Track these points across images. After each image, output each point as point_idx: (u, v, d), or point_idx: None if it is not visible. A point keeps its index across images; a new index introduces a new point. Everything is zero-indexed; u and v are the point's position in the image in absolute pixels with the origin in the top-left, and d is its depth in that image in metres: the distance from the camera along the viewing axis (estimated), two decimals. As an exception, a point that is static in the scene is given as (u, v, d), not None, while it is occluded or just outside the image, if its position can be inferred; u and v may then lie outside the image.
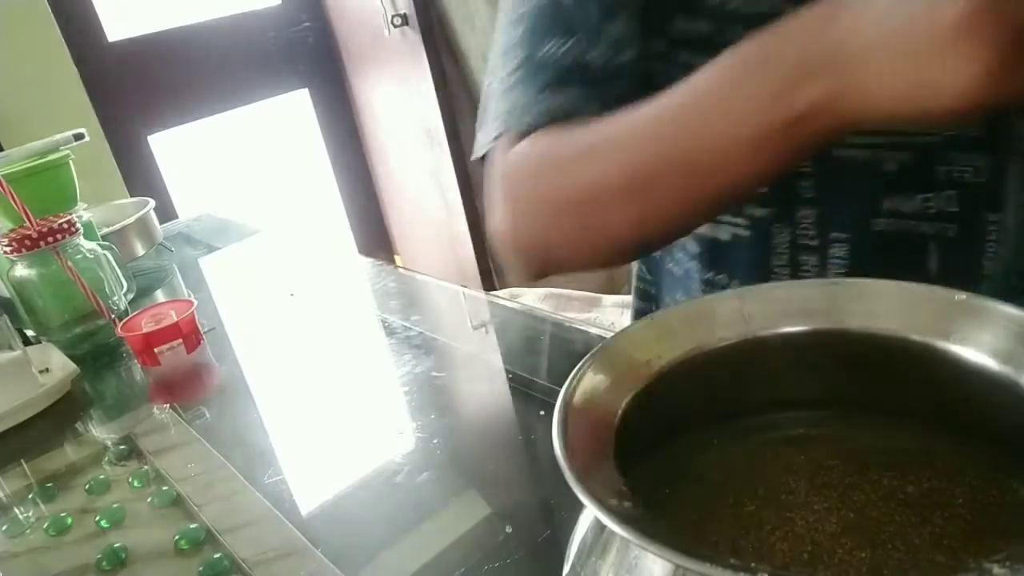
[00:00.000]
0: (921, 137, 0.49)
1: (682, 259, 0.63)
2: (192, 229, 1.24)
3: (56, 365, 0.73)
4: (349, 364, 0.72)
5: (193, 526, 0.49)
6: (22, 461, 0.61)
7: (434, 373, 0.65)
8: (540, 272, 0.52)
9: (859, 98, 0.34)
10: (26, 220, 0.74)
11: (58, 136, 0.87)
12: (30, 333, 0.82)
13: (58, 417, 0.68)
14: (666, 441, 0.33)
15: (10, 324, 0.72)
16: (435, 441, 0.55)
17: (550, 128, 0.49)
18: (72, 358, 0.74)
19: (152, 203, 1.07)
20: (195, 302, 0.76)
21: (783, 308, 0.33)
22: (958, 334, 0.29)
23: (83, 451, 0.62)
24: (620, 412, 0.29)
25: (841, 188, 0.52)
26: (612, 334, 0.33)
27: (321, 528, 0.48)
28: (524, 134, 0.49)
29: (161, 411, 0.66)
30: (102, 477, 0.57)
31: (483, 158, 0.53)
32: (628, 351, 0.31)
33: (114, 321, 0.78)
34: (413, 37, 2.12)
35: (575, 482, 0.24)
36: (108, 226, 0.99)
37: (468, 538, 0.45)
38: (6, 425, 0.66)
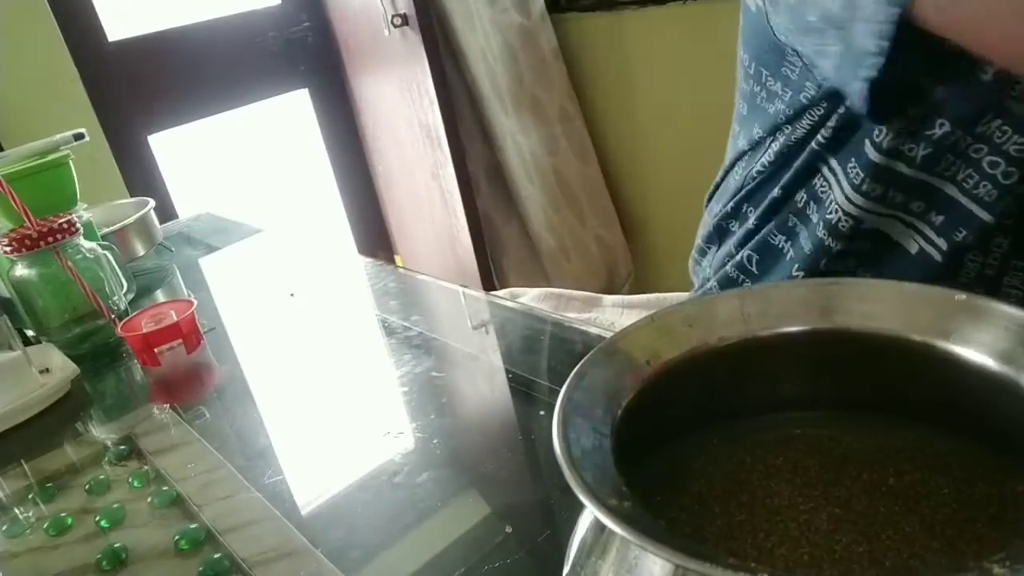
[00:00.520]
0: None
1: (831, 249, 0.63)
2: (192, 229, 1.24)
3: (56, 365, 0.73)
4: (349, 364, 0.72)
5: (193, 526, 0.49)
6: (22, 461, 0.61)
7: (434, 373, 0.65)
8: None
9: None
10: (26, 220, 0.74)
11: (58, 136, 0.87)
12: (30, 333, 0.82)
13: (58, 417, 0.68)
14: (666, 441, 0.33)
15: (10, 324, 0.72)
16: (435, 441, 0.55)
17: None
18: (72, 358, 0.74)
19: (152, 203, 1.07)
20: (195, 302, 0.76)
21: (783, 308, 0.33)
22: (958, 334, 0.29)
23: (83, 451, 0.62)
24: (620, 412, 0.29)
25: None
26: (612, 334, 0.33)
27: (321, 528, 0.48)
28: None
29: (161, 411, 0.66)
30: (102, 477, 0.57)
31: None
32: (628, 351, 0.31)
33: (114, 321, 0.78)
34: (413, 37, 2.12)
35: (575, 482, 0.24)
36: (108, 226, 0.99)
37: (468, 538, 0.45)
38: (6, 425, 0.66)
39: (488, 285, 2.27)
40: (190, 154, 2.24)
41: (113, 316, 0.79)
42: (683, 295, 1.01)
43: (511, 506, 0.49)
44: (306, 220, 2.52)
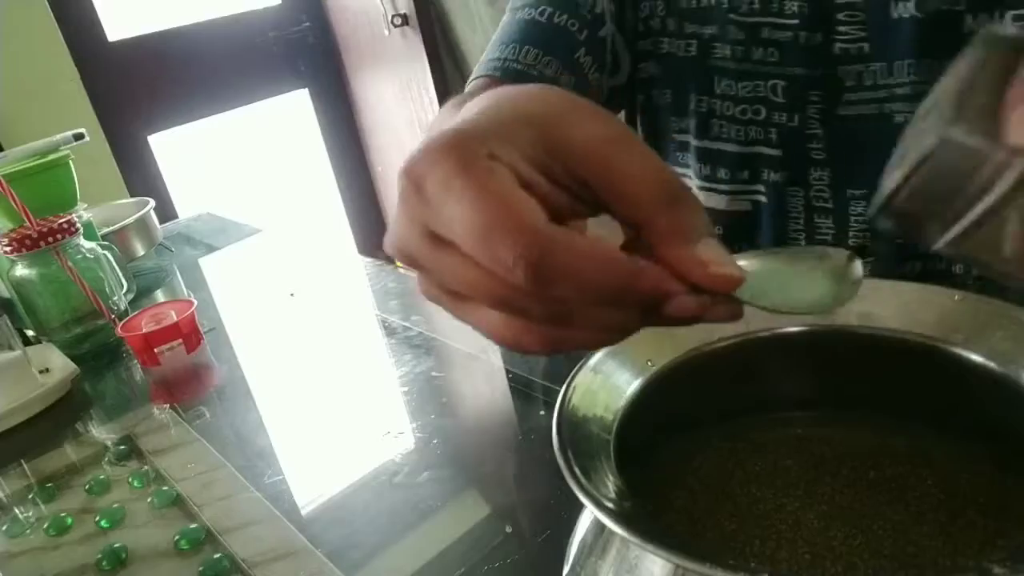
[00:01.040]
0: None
1: None
2: (192, 229, 1.24)
3: (56, 365, 0.73)
4: (349, 364, 0.72)
5: (193, 526, 0.49)
6: (22, 461, 0.61)
7: (434, 373, 0.65)
8: None
9: None
10: (26, 220, 0.74)
11: (58, 136, 0.87)
12: (30, 333, 0.82)
13: (58, 417, 0.68)
14: (665, 441, 0.33)
15: (10, 324, 0.72)
16: (435, 441, 0.55)
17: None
18: (72, 358, 0.74)
19: (152, 203, 1.07)
20: (195, 302, 0.76)
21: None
22: (958, 334, 0.30)
23: (83, 451, 0.62)
24: (619, 412, 0.29)
25: (853, 146, 0.52)
26: (612, 334, 0.33)
27: (321, 528, 0.48)
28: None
29: (161, 411, 0.66)
30: (102, 477, 0.57)
31: None
32: (627, 351, 0.31)
33: (114, 321, 0.78)
34: (413, 37, 2.12)
35: (575, 482, 0.24)
36: (108, 226, 0.99)
37: (468, 538, 0.45)
38: (6, 425, 0.66)
39: (488, 285, 2.27)
40: (190, 154, 2.24)
41: (113, 316, 0.79)
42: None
43: (511, 506, 0.49)
44: (306, 220, 2.52)
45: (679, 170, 0.65)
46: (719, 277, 0.23)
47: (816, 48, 0.53)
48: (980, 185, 0.21)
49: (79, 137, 0.89)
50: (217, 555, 0.46)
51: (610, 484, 0.25)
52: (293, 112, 2.42)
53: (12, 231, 0.75)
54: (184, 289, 0.98)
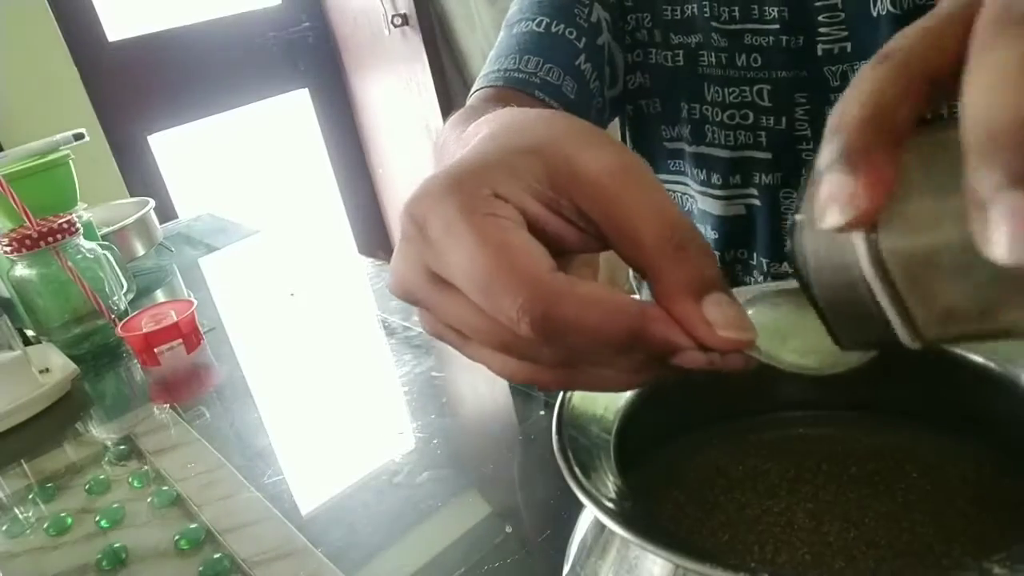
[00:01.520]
0: None
1: None
2: (192, 229, 1.24)
3: (56, 365, 0.73)
4: (349, 364, 0.72)
5: (193, 526, 0.49)
6: (22, 461, 0.61)
7: (434, 373, 0.65)
8: None
9: None
10: (26, 220, 0.74)
11: (58, 136, 0.87)
12: (30, 333, 0.82)
13: (58, 417, 0.68)
14: (666, 441, 0.33)
15: (10, 324, 0.72)
16: (435, 441, 0.55)
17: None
18: (72, 358, 0.74)
19: (152, 203, 1.07)
20: (195, 302, 0.76)
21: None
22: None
23: (83, 451, 0.62)
24: (620, 412, 0.29)
25: None
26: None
27: (321, 528, 0.48)
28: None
29: (161, 411, 0.66)
30: (102, 477, 0.57)
31: None
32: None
33: (114, 321, 0.78)
34: (413, 37, 2.12)
35: (575, 482, 0.24)
36: (108, 226, 0.99)
37: (468, 538, 0.45)
38: (6, 425, 0.66)
39: (488, 285, 2.27)
40: (190, 154, 2.24)
41: (113, 316, 0.79)
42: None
43: (511, 506, 0.49)
44: (306, 220, 2.52)
45: (673, 178, 0.65)
46: (728, 341, 0.22)
47: (799, 51, 0.53)
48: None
49: (79, 137, 0.89)
50: (217, 555, 0.46)
51: (610, 484, 0.25)
52: (293, 112, 2.42)
53: (12, 231, 0.75)
54: (184, 289, 0.98)
